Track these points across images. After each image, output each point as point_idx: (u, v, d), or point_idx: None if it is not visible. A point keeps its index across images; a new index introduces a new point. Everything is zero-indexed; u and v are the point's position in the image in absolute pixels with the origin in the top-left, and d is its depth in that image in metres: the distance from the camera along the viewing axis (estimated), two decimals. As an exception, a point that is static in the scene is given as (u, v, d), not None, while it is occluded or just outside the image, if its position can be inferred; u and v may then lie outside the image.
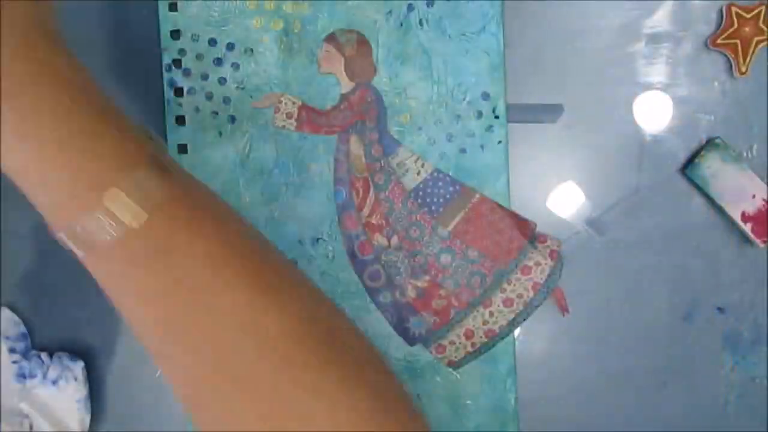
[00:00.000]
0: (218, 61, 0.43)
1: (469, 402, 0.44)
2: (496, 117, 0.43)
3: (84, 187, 0.28)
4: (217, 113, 0.44)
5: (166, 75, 0.43)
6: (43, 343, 0.46)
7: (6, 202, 0.45)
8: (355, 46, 0.43)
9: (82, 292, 0.45)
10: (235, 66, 0.43)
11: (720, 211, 0.44)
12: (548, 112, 0.44)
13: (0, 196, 0.45)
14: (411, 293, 0.44)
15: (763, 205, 0.43)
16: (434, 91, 0.43)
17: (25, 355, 0.45)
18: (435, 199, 0.44)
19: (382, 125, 0.43)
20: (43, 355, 0.45)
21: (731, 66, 0.44)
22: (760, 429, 0.46)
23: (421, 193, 0.44)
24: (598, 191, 0.45)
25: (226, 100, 0.43)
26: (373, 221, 0.44)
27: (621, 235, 0.45)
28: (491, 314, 0.44)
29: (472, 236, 0.44)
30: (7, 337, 0.45)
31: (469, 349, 0.44)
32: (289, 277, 0.32)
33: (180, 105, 0.44)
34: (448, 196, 0.44)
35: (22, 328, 0.45)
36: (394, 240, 0.44)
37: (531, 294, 0.44)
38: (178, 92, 0.44)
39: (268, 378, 0.29)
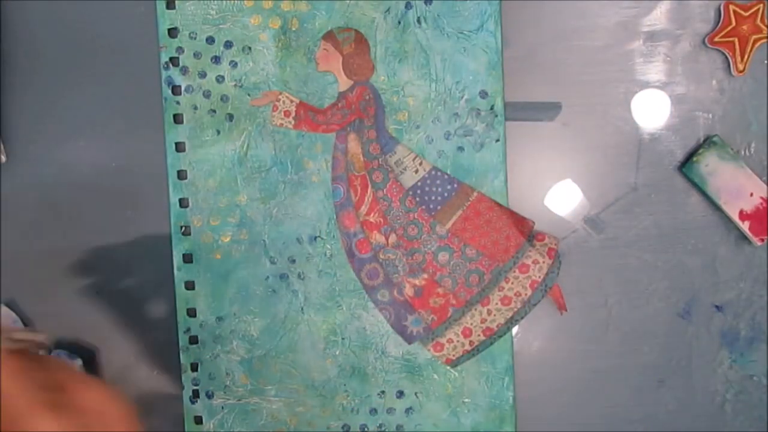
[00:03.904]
0: (216, 59, 0.43)
1: (466, 400, 0.44)
2: (495, 115, 0.43)
3: None
4: (215, 111, 0.44)
5: (163, 73, 0.43)
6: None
7: (6, 203, 0.45)
8: (353, 45, 0.43)
9: (81, 290, 0.45)
10: (233, 64, 0.43)
11: (718, 209, 0.44)
12: (546, 110, 0.45)
13: (0, 197, 0.45)
14: (409, 291, 0.44)
15: (761, 203, 0.43)
16: (432, 89, 0.43)
17: (22, 353, 0.45)
18: (433, 197, 0.44)
19: (380, 123, 0.43)
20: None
21: (729, 64, 0.44)
22: (758, 426, 0.46)
23: (419, 191, 0.44)
24: (596, 189, 0.45)
25: (224, 98, 0.43)
26: (371, 219, 0.44)
27: (619, 233, 0.45)
28: (489, 312, 0.44)
29: (470, 234, 0.44)
30: (5, 335, 0.45)
31: (467, 347, 0.44)
32: None
33: (178, 103, 0.44)
34: (446, 194, 0.44)
35: (20, 326, 0.45)
36: (392, 238, 0.44)
37: (529, 292, 0.44)
38: (176, 90, 0.44)
39: None
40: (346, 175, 0.44)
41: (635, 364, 0.45)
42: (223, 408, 0.45)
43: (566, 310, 0.45)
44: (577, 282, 0.45)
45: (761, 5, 0.43)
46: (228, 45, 0.43)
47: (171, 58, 0.43)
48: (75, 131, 0.45)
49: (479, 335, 0.44)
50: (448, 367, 0.44)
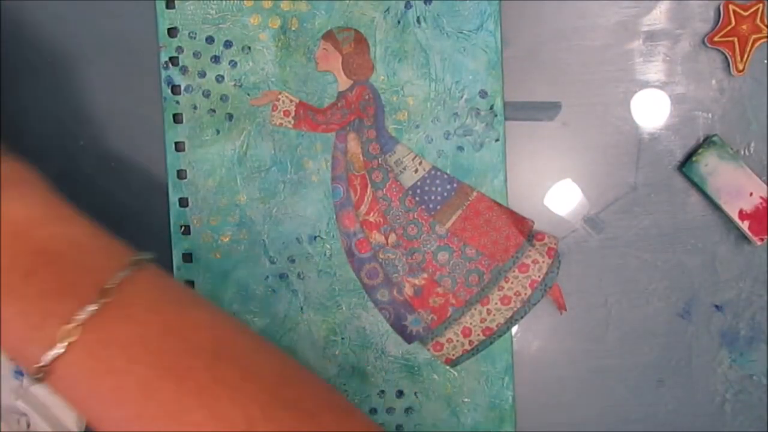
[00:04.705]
0: (215, 59, 0.43)
1: (466, 400, 0.44)
2: (494, 115, 0.43)
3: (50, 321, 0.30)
4: (214, 111, 0.44)
5: (163, 73, 0.43)
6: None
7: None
8: (352, 44, 0.43)
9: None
10: (233, 64, 0.43)
11: (717, 208, 0.44)
12: (546, 109, 0.45)
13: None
14: (408, 291, 0.44)
15: (761, 203, 0.43)
16: (432, 89, 0.43)
17: (22, 352, 0.45)
18: (432, 197, 0.44)
19: (380, 123, 0.43)
20: None
21: (729, 64, 0.44)
22: (758, 426, 0.46)
23: (418, 190, 0.44)
24: (596, 189, 0.45)
25: (224, 98, 0.43)
26: (371, 219, 0.44)
27: (618, 233, 0.45)
28: (489, 312, 0.44)
29: (469, 234, 0.44)
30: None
31: (467, 347, 0.44)
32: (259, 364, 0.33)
33: (177, 103, 0.44)
34: (445, 193, 0.44)
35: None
36: (392, 238, 0.44)
37: (528, 292, 0.44)
38: (176, 90, 0.44)
39: None
40: (345, 175, 0.44)
41: (635, 364, 0.45)
42: (222, 408, 0.45)
43: (566, 310, 0.45)
44: (577, 282, 0.45)
45: (761, 5, 0.43)
46: (227, 45, 0.43)
47: (170, 58, 0.43)
48: (75, 131, 0.45)
49: (479, 335, 0.44)
50: (448, 367, 0.44)
